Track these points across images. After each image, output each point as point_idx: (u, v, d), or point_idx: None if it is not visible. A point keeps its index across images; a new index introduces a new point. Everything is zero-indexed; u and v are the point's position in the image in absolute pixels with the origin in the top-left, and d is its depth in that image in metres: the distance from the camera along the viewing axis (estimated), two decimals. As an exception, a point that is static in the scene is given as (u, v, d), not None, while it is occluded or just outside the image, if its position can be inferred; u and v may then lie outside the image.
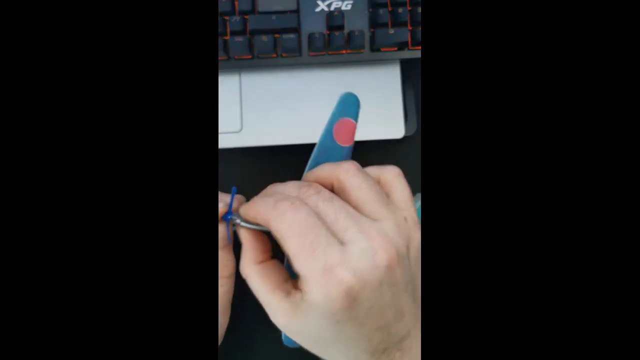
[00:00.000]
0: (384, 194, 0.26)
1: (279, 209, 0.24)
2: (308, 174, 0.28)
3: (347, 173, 0.25)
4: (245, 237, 0.27)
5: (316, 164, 0.29)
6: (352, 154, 0.30)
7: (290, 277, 0.27)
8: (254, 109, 0.38)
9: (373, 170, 0.27)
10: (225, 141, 0.37)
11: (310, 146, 0.36)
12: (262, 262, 0.27)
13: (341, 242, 0.23)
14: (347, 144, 0.29)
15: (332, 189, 0.26)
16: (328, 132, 0.29)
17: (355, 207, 0.25)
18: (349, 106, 0.29)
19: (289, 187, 0.26)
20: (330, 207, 0.24)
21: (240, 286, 0.38)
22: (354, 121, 0.29)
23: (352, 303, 0.22)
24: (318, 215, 0.24)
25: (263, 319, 0.36)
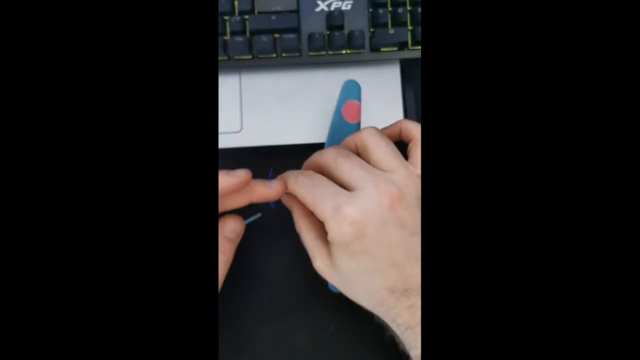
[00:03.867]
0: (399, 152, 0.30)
1: (299, 181, 0.29)
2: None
3: (368, 133, 0.30)
4: (292, 199, 0.32)
5: (332, 139, 0.34)
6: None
7: None
8: (254, 109, 0.38)
9: (396, 127, 0.33)
10: (225, 141, 0.37)
11: (310, 146, 0.36)
12: (308, 215, 0.31)
13: (353, 190, 0.28)
14: (356, 121, 0.35)
15: (356, 153, 0.31)
16: (338, 114, 0.34)
17: (375, 163, 0.29)
18: (352, 91, 0.35)
19: (315, 154, 0.31)
20: (347, 161, 0.29)
21: (240, 285, 0.38)
22: (358, 102, 0.35)
23: (360, 235, 0.26)
24: (333, 169, 0.29)
25: (263, 318, 0.36)
